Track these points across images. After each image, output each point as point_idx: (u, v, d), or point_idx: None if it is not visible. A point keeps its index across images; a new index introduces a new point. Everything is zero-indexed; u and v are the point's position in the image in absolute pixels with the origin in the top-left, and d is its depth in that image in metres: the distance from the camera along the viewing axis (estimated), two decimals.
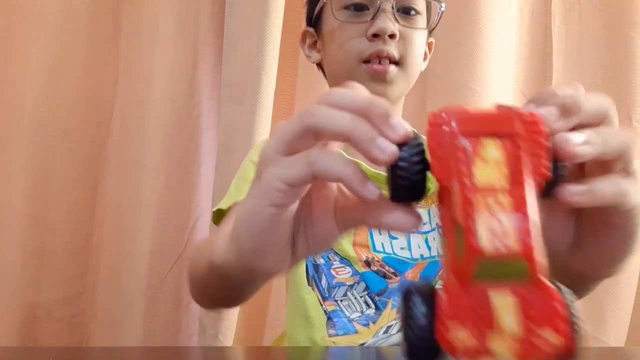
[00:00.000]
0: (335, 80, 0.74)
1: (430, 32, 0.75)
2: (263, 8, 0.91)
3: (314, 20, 0.75)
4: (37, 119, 0.97)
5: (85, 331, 0.99)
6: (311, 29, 0.76)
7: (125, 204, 0.98)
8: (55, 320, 0.98)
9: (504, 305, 0.24)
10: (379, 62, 0.68)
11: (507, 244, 0.23)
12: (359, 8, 0.69)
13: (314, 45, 0.76)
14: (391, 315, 0.70)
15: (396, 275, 0.68)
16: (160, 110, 0.98)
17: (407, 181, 0.27)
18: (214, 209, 0.69)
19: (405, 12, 0.70)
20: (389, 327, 0.69)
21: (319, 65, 0.79)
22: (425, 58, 0.76)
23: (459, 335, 0.24)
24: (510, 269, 0.24)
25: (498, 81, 0.96)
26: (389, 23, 0.67)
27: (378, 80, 0.69)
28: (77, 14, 1.00)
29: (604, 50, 0.99)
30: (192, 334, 0.98)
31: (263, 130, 0.91)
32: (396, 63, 0.69)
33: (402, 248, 0.72)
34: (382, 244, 0.70)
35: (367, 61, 0.68)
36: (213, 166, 0.96)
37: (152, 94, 0.98)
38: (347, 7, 0.70)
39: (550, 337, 0.24)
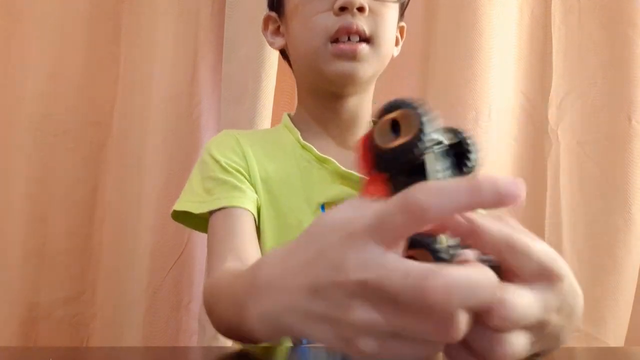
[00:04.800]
0: (301, 64, 0.70)
1: (402, 13, 0.72)
2: (263, 8, 0.91)
3: (276, 3, 0.71)
4: (37, 119, 0.97)
5: (85, 331, 0.99)
6: (273, 14, 0.71)
7: (125, 204, 0.98)
8: (55, 320, 0.98)
9: None
10: (348, 39, 0.62)
11: None
12: None
13: (277, 30, 0.72)
14: None
15: None
16: (160, 110, 0.98)
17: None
18: (178, 208, 0.66)
19: None
20: None
21: (283, 53, 0.75)
22: (397, 43, 0.72)
23: None
24: None
25: (498, 81, 0.96)
26: None
27: (347, 59, 0.63)
28: (77, 14, 1.00)
29: (604, 50, 0.99)
30: (192, 334, 0.98)
31: None
32: (366, 40, 0.63)
33: None
34: None
35: (334, 41, 0.63)
36: None
37: (152, 94, 0.98)
38: None
39: None
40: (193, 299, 0.99)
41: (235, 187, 0.64)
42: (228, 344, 0.64)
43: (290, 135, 0.71)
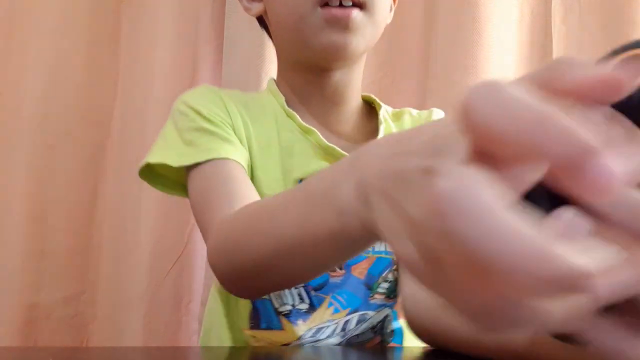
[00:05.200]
0: (283, 33, 0.63)
1: None
2: None
3: None
4: (37, 119, 0.97)
5: (85, 331, 0.99)
6: None
7: (125, 204, 0.98)
8: (55, 320, 0.97)
9: None
10: (340, 4, 0.56)
11: None
12: None
13: None
14: (325, 315, 0.60)
15: (341, 269, 0.59)
16: (160, 110, 0.98)
17: None
18: (152, 160, 0.58)
19: None
20: (319, 329, 0.60)
21: (261, 21, 0.68)
22: (390, 9, 0.65)
23: None
24: None
25: None
26: None
27: (339, 28, 0.56)
28: (78, 13, 1.00)
29: (604, 50, 0.99)
30: (192, 334, 0.98)
31: None
32: (359, 6, 0.57)
33: None
34: None
35: (324, 4, 0.56)
36: None
37: (152, 94, 0.98)
38: None
39: None
40: (193, 299, 0.99)
41: (225, 139, 0.57)
42: (226, 342, 0.63)
43: (275, 101, 0.65)
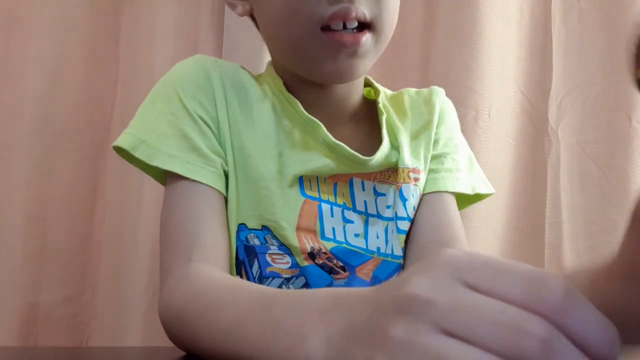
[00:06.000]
0: (279, 50, 0.57)
1: None
2: None
3: None
4: (37, 119, 0.97)
5: (85, 331, 0.99)
6: None
7: (125, 204, 0.98)
8: (55, 320, 0.97)
9: None
10: (344, 27, 0.50)
11: None
12: None
13: None
14: None
15: (345, 270, 0.56)
16: None
17: None
18: (127, 148, 0.53)
19: None
20: None
21: (253, 16, 0.61)
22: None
23: None
24: None
25: (498, 81, 0.96)
26: None
27: (346, 55, 0.51)
28: (77, 14, 1.00)
29: (604, 50, 0.99)
30: None
31: None
32: (367, 27, 0.51)
33: (356, 235, 0.58)
34: (333, 228, 0.56)
35: (326, 26, 0.50)
36: None
37: None
38: None
39: None
40: None
41: (207, 159, 0.53)
42: None
43: (273, 85, 0.59)
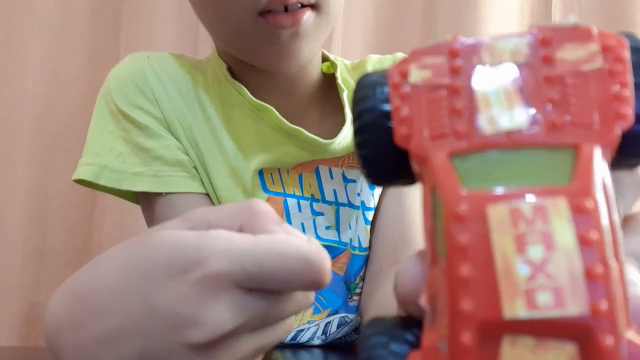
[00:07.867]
0: (216, 36, 0.53)
1: None
2: None
3: None
4: (37, 119, 0.97)
5: None
6: None
7: (125, 204, 0.98)
8: None
9: None
10: (285, 10, 0.45)
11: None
12: None
13: None
14: (305, 316, 0.56)
15: None
16: None
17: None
18: (92, 180, 0.51)
19: None
20: (299, 331, 0.56)
21: None
22: None
23: None
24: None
25: None
26: None
27: (288, 38, 0.47)
28: (77, 14, 1.00)
29: None
30: None
31: None
32: (310, 5, 0.47)
33: (327, 227, 0.54)
34: (302, 224, 0.54)
35: (264, 12, 0.45)
36: None
37: None
38: None
39: None
40: None
41: (170, 163, 0.50)
42: None
43: (218, 71, 0.55)
